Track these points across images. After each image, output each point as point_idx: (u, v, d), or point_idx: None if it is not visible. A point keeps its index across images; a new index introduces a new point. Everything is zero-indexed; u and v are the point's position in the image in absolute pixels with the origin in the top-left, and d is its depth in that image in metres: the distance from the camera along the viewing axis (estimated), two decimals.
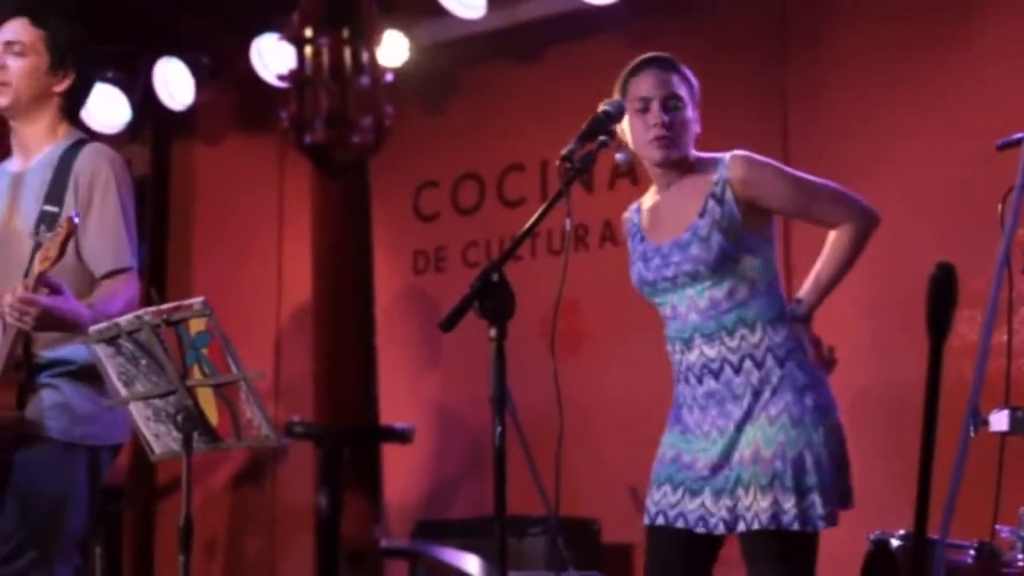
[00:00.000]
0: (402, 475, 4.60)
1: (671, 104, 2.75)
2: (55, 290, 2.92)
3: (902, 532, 2.80)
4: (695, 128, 2.79)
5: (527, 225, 2.49)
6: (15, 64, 3.18)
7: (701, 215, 2.73)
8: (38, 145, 3.25)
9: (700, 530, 2.69)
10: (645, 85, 2.76)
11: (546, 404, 2.88)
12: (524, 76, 4.93)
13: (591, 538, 4.56)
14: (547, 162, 4.79)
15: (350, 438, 1.29)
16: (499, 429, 2.36)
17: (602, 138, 2.62)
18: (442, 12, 4.65)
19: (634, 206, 2.92)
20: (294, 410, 4.70)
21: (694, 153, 2.82)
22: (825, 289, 2.76)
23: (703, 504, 2.69)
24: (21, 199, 3.19)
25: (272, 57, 4.93)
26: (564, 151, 2.55)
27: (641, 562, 2.87)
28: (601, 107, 2.70)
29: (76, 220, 2.94)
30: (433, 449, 4.65)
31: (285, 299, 5.30)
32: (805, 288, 2.78)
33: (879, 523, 2.92)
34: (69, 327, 3.00)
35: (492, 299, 2.35)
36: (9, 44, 3.20)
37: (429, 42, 4.68)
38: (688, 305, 2.74)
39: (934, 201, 4.27)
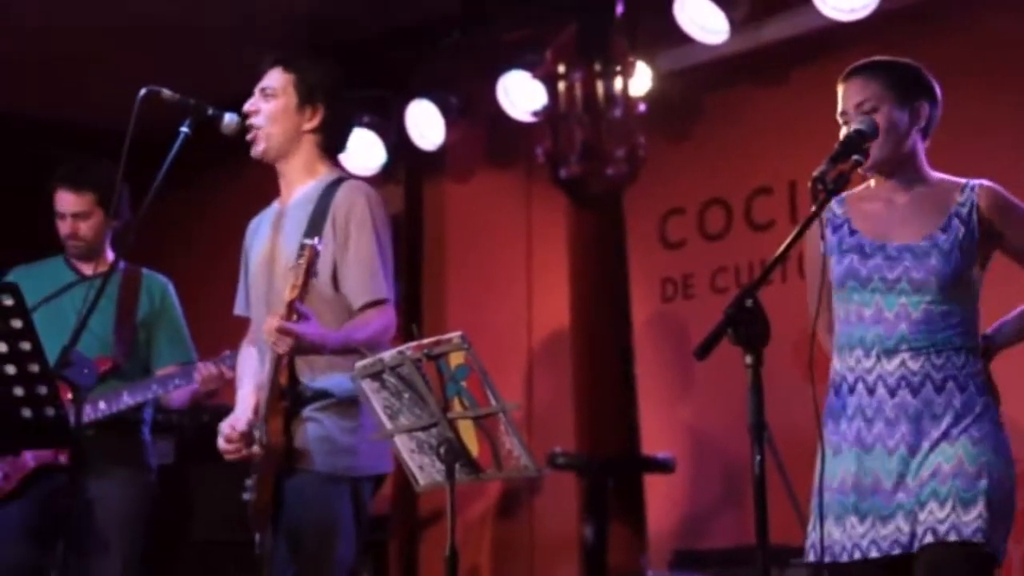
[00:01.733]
0: (659, 504, 4.57)
1: (862, 111, 2.72)
2: (303, 317, 3.05)
3: None
4: (901, 125, 2.70)
5: (780, 249, 2.45)
6: (266, 107, 3.39)
7: (944, 230, 2.67)
8: (299, 182, 3.42)
9: (896, 551, 2.59)
10: (841, 100, 2.75)
11: (804, 431, 2.82)
12: (769, 98, 4.85)
13: None
14: (796, 184, 4.69)
15: (613, 468, 1.29)
16: (758, 457, 2.32)
17: (856, 157, 2.56)
18: (684, 39, 4.64)
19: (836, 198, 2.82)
20: (547, 440, 4.75)
21: (923, 161, 2.76)
22: (1018, 337, 2.74)
23: (897, 527, 2.60)
24: (283, 234, 3.36)
25: (518, 94, 5.05)
26: (816, 172, 2.51)
27: None
28: (853, 127, 2.65)
29: (318, 247, 3.06)
30: (689, 477, 4.61)
31: (535, 330, 5.37)
32: (1001, 328, 2.76)
33: None
34: (314, 349, 3.14)
35: (747, 325, 2.32)
36: (263, 90, 3.42)
37: (671, 69, 4.68)
38: (899, 313, 2.66)
39: None
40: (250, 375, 3.42)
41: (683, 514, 4.67)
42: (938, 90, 2.80)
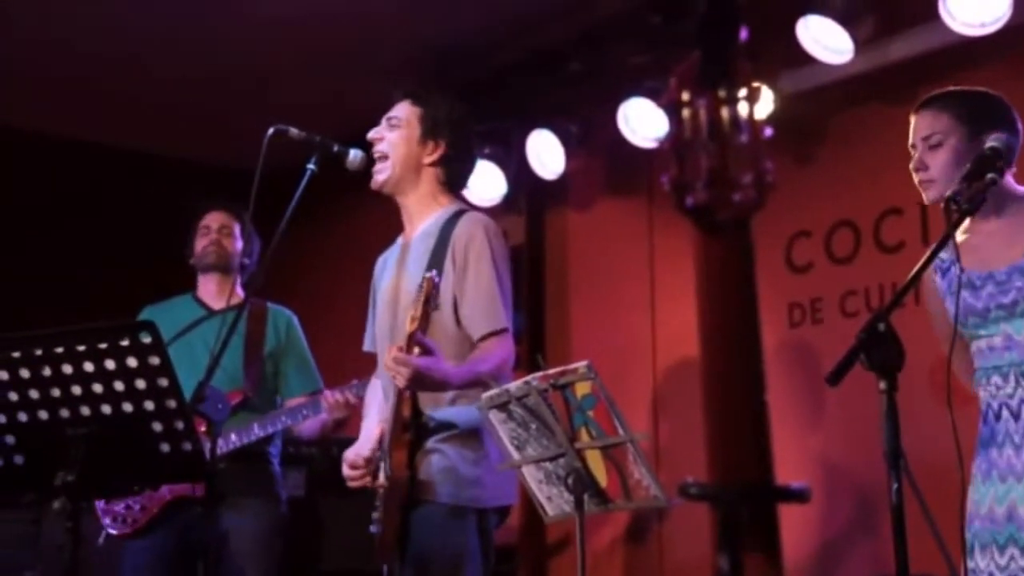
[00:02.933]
0: (793, 534, 4.48)
1: (929, 144, 2.67)
2: (427, 351, 3.05)
3: None
4: (961, 158, 2.63)
5: (914, 271, 2.39)
6: (390, 135, 3.43)
7: None
8: (420, 216, 3.45)
9: None
10: (912, 132, 2.71)
11: (942, 458, 2.73)
12: (897, 117, 4.72)
13: None
14: (926, 205, 4.57)
15: (747, 498, 1.26)
16: (895, 486, 2.26)
17: (991, 176, 2.49)
18: (807, 60, 4.58)
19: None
20: (674, 469, 4.70)
21: (1010, 186, 2.69)
22: None
23: None
24: (406, 268, 3.38)
25: (639, 121, 5.04)
26: (949, 192, 2.45)
27: None
28: (988, 144, 2.57)
29: (436, 279, 3.07)
30: (823, 507, 4.51)
31: (660, 359, 5.32)
32: None
33: None
34: (440, 386, 3.13)
35: (880, 350, 2.27)
36: (388, 119, 3.46)
37: (795, 91, 4.62)
38: None
39: None
40: (375, 408, 3.45)
41: (818, 545, 4.57)
42: (1018, 120, 2.71)
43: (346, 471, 3.27)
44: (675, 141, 1.40)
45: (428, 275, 3.06)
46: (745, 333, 1.41)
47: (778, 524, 1.40)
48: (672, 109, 1.42)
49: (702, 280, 1.41)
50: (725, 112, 1.40)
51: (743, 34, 1.41)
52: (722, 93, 1.40)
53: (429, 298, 3.01)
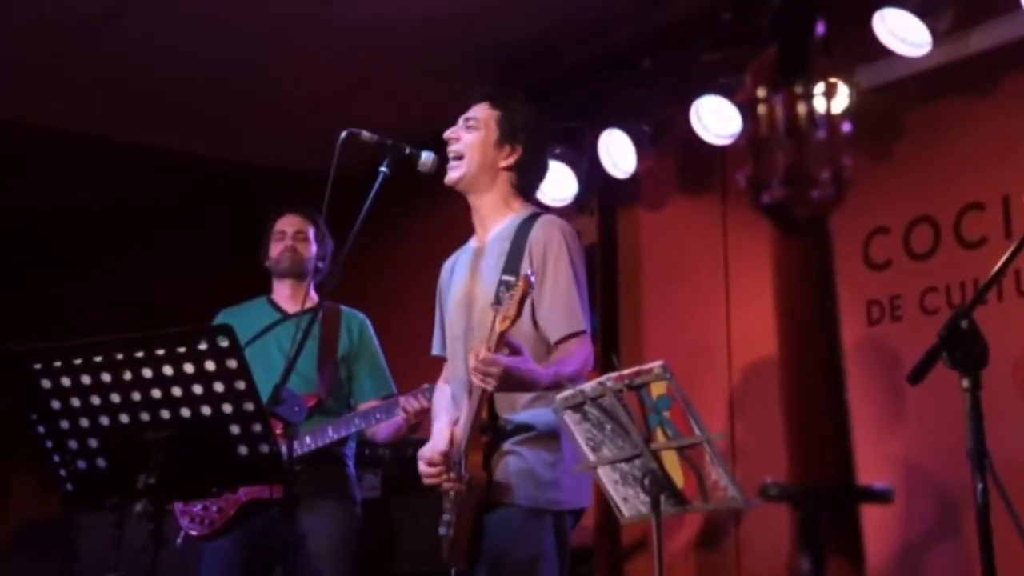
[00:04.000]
0: (874, 536, 4.39)
1: None
2: (515, 351, 3.04)
3: None
4: None
5: (998, 266, 2.34)
6: (467, 136, 3.43)
7: None
8: (494, 219, 3.45)
9: None
10: None
11: None
12: (978, 110, 4.65)
13: None
14: (1009, 198, 4.47)
15: (829, 499, 1.24)
16: (980, 486, 2.22)
17: None
18: (883, 54, 4.50)
19: None
20: (751, 470, 4.65)
21: None
22: None
23: None
24: (481, 270, 3.38)
25: (711, 119, 4.99)
26: None
27: None
28: None
29: (532, 278, 3.06)
30: (904, 508, 4.43)
31: (735, 359, 5.26)
32: None
33: None
34: (527, 387, 3.12)
35: (963, 348, 2.23)
36: (466, 120, 3.47)
37: (870, 86, 4.54)
38: None
39: None
40: (444, 410, 3.45)
41: (900, 547, 4.49)
42: None
43: (423, 468, 3.27)
44: (751, 138, 1.37)
45: (525, 274, 3.05)
46: (825, 332, 1.38)
47: (861, 526, 1.37)
48: (747, 106, 1.40)
49: (780, 279, 1.38)
50: (802, 108, 1.37)
51: (820, 28, 1.38)
52: (799, 88, 1.38)
53: (525, 297, 2.99)
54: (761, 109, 1.38)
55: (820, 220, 1.45)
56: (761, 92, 1.37)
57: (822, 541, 1.40)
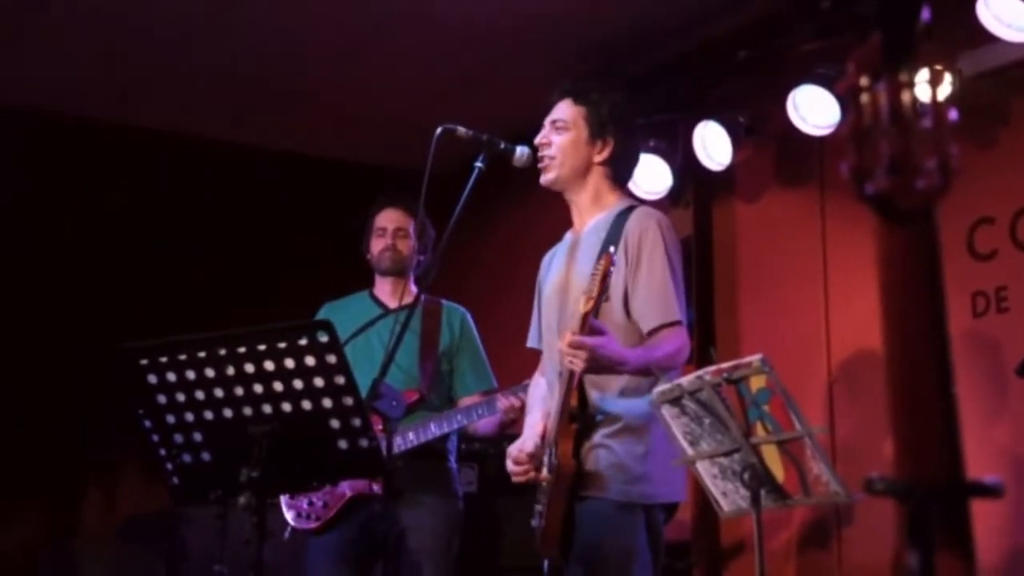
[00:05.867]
0: (982, 532, 4.30)
1: None
2: (599, 332, 3.03)
3: None
4: None
5: None
6: (557, 139, 3.42)
7: None
8: (589, 212, 3.44)
9: None
10: None
11: None
12: None
13: None
14: None
15: (939, 494, 1.21)
16: None
17: None
18: (988, 39, 4.40)
19: None
20: (852, 465, 4.57)
21: None
22: None
23: None
24: (576, 262, 3.37)
25: (808, 109, 4.92)
26: None
27: None
28: None
29: (614, 256, 3.03)
30: (1013, 503, 4.33)
31: (834, 351, 5.19)
32: None
33: None
34: (615, 368, 3.09)
35: None
36: (554, 122, 3.45)
37: (974, 72, 4.44)
38: None
39: None
40: (538, 403, 3.45)
41: (1009, 543, 4.38)
42: None
43: (510, 466, 3.28)
44: (854, 128, 1.35)
45: (608, 251, 3.03)
46: (932, 324, 1.35)
47: (971, 521, 1.34)
48: (850, 95, 1.37)
49: (885, 271, 1.36)
50: (907, 96, 1.34)
51: (925, 14, 1.36)
52: (903, 76, 1.35)
53: (607, 275, 2.97)
54: (864, 98, 1.36)
55: (926, 210, 1.42)
56: (864, 80, 1.35)
57: (931, 537, 1.37)
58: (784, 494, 2.69)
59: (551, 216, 3.79)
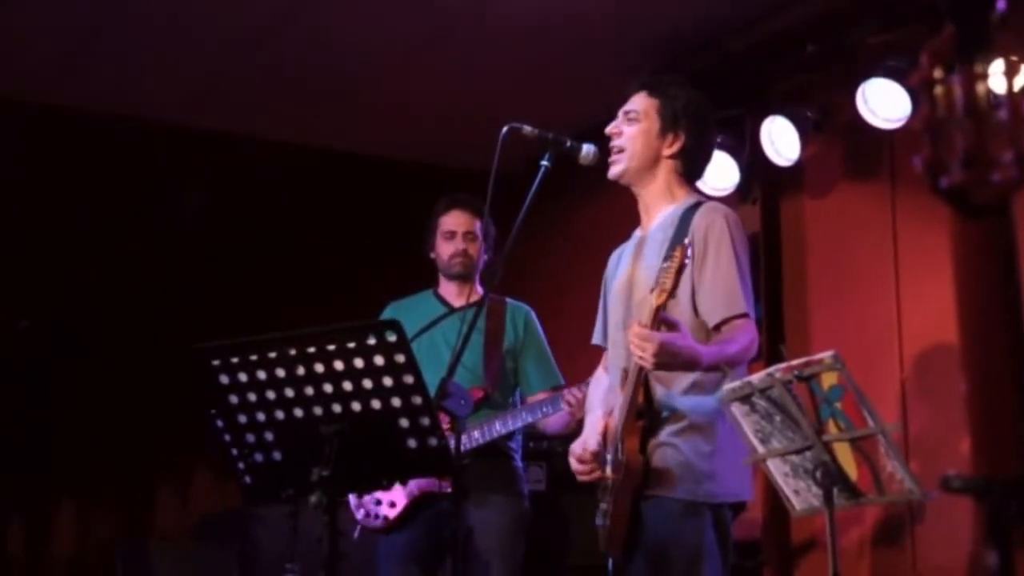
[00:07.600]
0: None
1: None
2: (672, 327, 2.99)
3: None
4: None
5: None
6: (628, 129, 3.39)
7: None
8: (657, 207, 3.41)
9: None
10: None
11: None
12: None
13: None
14: None
15: (1017, 492, 1.19)
16: None
17: None
18: None
19: None
20: (926, 462, 4.51)
21: None
22: None
23: None
24: (644, 257, 3.35)
25: (879, 102, 4.86)
26: None
27: None
28: None
29: (689, 248, 2.99)
30: None
31: (907, 347, 5.11)
32: None
33: None
34: (688, 364, 3.03)
35: None
36: (626, 113, 3.43)
37: None
38: None
39: None
40: (599, 401, 3.43)
41: None
42: None
43: (574, 465, 3.26)
44: (927, 121, 1.33)
45: (683, 242, 2.99)
46: (1009, 320, 1.33)
47: None
48: (922, 87, 1.35)
49: (959, 266, 1.34)
50: (982, 87, 1.31)
51: (1000, 4, 1.33)
52: (978, 68, 1.32)
53: (682, 267, 2.92)
54: (938, 90, 1.34)
55: (1002, 204, 1.39)
56: (938, 73, 1.32)
57: (1010, 535, 1.34)
58: (857, 492, 2.66)
59: (617, 214, 3.78)
